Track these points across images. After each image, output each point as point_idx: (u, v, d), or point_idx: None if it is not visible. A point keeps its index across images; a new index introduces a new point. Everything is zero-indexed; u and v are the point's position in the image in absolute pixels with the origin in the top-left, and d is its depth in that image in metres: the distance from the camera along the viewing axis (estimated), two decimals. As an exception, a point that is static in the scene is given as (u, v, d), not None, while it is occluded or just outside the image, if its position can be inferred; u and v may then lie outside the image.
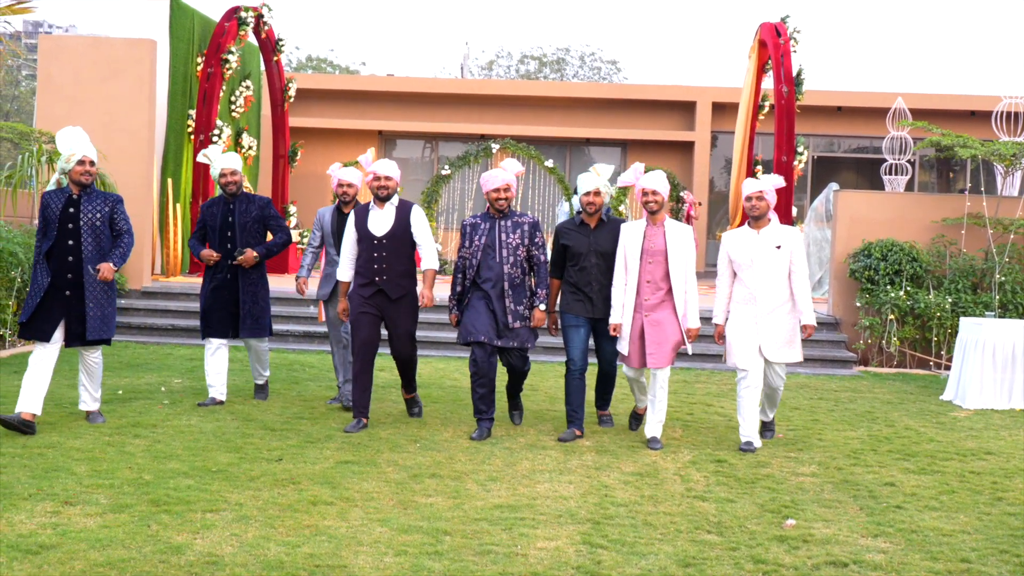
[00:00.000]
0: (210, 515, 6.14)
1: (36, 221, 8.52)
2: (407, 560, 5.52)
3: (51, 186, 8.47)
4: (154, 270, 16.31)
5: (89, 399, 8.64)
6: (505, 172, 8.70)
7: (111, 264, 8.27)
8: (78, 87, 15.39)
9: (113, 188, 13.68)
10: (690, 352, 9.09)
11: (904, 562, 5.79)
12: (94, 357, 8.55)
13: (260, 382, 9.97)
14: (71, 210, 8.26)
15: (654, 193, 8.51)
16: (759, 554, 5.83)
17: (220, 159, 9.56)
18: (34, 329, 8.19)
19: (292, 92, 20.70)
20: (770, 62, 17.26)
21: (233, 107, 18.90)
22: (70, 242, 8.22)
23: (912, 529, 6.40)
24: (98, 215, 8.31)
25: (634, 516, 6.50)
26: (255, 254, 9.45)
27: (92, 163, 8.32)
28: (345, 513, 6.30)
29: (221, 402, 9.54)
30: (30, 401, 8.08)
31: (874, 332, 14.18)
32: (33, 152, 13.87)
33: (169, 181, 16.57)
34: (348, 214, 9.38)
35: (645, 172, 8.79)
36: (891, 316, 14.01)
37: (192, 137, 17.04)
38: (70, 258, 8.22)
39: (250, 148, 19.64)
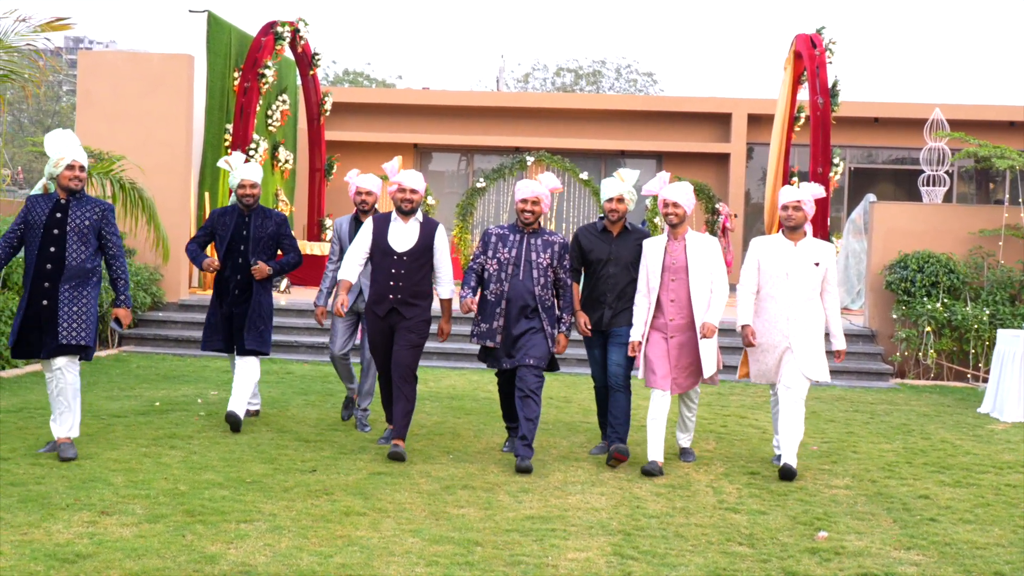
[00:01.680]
0: (244, 525, 6.19)
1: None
2: (438, 570, 5.55)
3: (37, 190, 7.91)
4: (191, 283, 16.46)
5: (62, 426, 7.80)
6: (538, 185, 8.22)
7: (127, 310, 7.92)
8: (117, 102, 15.59)
9: (151, 202, 13.84)
10: (718, 367, 8.28)
11: (937, 575, 5.76)
12: (70, 371, 7.73)
13: (253, 407, 9.33)
14: (58, 215, 7.70)
15: (675, 205, 8.04)
16: (790, 566, 5.82)
17: (242, 169, 9.11)
18: (24, 346, 7.74)
19: (328, 106, 20.84)
20: (805, 74, 17.19)
21: (270, 121, 19.05)
22: (52, 249, 7.64)
23: (946, 542, 6.36)
24: (87, 222, 7.74)
25: (665, 528, 6.50)
26: (269, 269, 9.05)
27: (82, 168, 7.76)
28: (377, 524, 6.34)
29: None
30: (61, 427, 7.76)
31: (911, 344, 14.09)
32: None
33: (206, 195, 16.72)
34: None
35: (676, 182, 8.34)
36: (928, 328, 13.92)
37: (229, 151, 17.17)
38: (49, 266, 7.64)
39: (287, 162, 19.79)
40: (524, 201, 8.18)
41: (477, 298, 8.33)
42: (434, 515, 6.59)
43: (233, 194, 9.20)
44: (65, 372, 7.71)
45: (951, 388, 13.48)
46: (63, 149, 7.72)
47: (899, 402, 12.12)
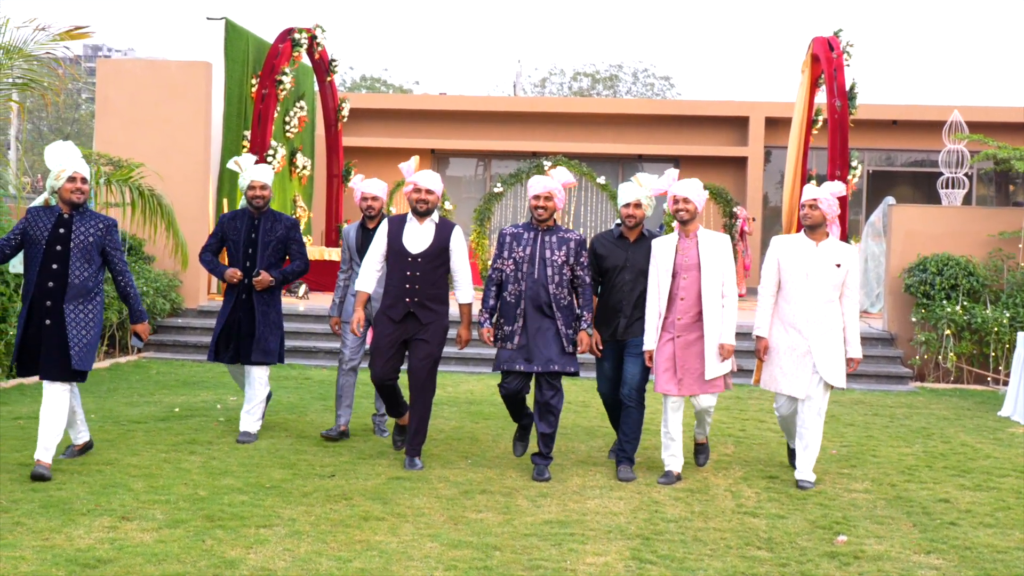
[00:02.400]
0: (263, 530, 6.21)
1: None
2: (457, 575, 5.56)
3: (38, 202, 7.63)
4: (210, 289, 16.52)
5: (46, 447, 7.37)
6: (549, 180, 7.95)
7: (145, 324, 7.81)
8: (135, 109, 15.68)
9: (170, 209, 13.92)
10: (732, 369, 8.07)
11: (957, 579, 5.75)
12: (69, 393, 7.51)
13: (253, 429, 8.91)
14: (61, 231, 7.43)
15: (685, 201, 7.83)
16: (809, 570, 5.81)
17: (252, 170, 8.92)
18: (27, 364, 7.50)
19: (346, 112, 20.88)
20: (823, 76, 17.16)
21: (287, 127, 19.11)
22: (54, 266, 7.38)
23: (966, 546, 6.34)
24: (90, 239, 7.47)
25: (684, 532, 6.49)
26: (271, 279, 8.87)
27: (84, 180, 7.48)
28: (396, 528, 6.35)
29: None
30: (42, 446, 7.34)
31: (930, 347, 14.03)
32: (92, 174, 14.11)
33: (224, 201, 16.78)
34: (373, 230, 8.94)
35: (685, 179, 8.16)
36: (947, 331, 13.86)
37: (246, 157, 17.21)
38: (51, 284, 7.38)
39: (304, 168, 19.85)
40: (536, 197, 7.96)
41: (493, 327, 8.05)
42: (452, 520, 6.60)
43: (244, 197, 9.08)
44: (68, 395, 7.52)
45: (971, 391, 13.42)
46: (64, 161, 7.49)
47: (919, 405, 12.07)
